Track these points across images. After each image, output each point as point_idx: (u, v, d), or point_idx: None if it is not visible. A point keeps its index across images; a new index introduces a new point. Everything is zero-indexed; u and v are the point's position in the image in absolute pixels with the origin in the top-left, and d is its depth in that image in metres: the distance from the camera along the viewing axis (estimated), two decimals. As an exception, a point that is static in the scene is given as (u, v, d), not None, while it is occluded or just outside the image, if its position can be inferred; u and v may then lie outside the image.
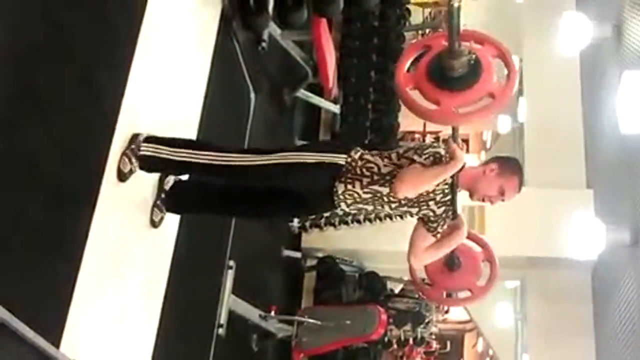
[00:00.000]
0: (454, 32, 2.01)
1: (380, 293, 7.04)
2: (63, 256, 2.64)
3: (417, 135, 12.43)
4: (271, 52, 5.37)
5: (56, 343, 2.53)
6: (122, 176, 2.98)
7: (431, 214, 2.99)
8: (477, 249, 3.60)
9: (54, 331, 2.54)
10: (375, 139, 7.13)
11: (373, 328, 5.63)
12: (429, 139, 11.63)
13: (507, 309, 8.76)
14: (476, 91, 2.19)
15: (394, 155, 2.93)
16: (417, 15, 11.03)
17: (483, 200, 2.99)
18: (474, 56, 2.19)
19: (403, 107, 8.02)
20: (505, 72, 2.28)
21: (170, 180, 3.37)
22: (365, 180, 2.91)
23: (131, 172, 3.02)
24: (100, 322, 2.92)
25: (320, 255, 6.85)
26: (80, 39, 2.71)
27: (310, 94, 6.46)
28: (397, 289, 8.00)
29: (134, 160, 3.00)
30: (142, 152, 3.00)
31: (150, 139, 3.06)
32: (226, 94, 4.52)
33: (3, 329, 2.15)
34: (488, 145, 14.72)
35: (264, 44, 5.05)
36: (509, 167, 3.00)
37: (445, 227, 3.05)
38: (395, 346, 7.49)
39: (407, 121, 8.61)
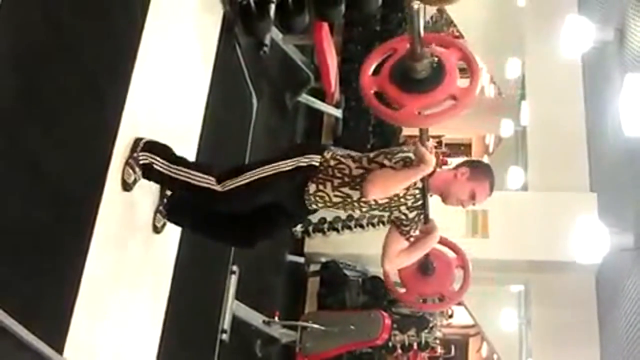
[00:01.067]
0: (416, 35, 2.02)
1: (384, 298, 7.01)
2: (66, 262, 2.64)
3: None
4: (273, 57, 5.37)
5: (59, 349, 2.52)
6: (126, 186, 2.99)
7: (403, 217, 3.00)
8: (452, 254, 3.60)
9: (57, 337, 2.54)
10: (377, 143, 7.12)
11: (377, 333, 5.61)
12: (430, 143, 11.61)
13: (511, 314, 8.74)
14: (439, 93, 2.20)
15: (364, 160, 2.93)
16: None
17: (456, 204, 3.00)
18: (436, 59, 2.20)
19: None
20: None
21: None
22: (336, 182, 2.91)
23: (135, 181, 3.03)
24: (103, 328, 2.92)
25: (323, 260, 6.83)
26: (82, 43, 2.71)
27: (312, 99, 6.46)
28: (401, 293, 7.99)
29: (137, 169, 3.01)
30: (141, 161, 3.02)
31: (147, 146, 3.06)
32: (228, 98, 4.52)
33: (6, 335, 2.14)
34: (491, 150, 14.73)
35: (265, 49, 5.05)
36: (480, 171, 3.02)
37: (417, 231, 3.06)
38: (399, 351, 7.47)
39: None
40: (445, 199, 3.00)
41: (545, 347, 7.19)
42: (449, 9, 9.19)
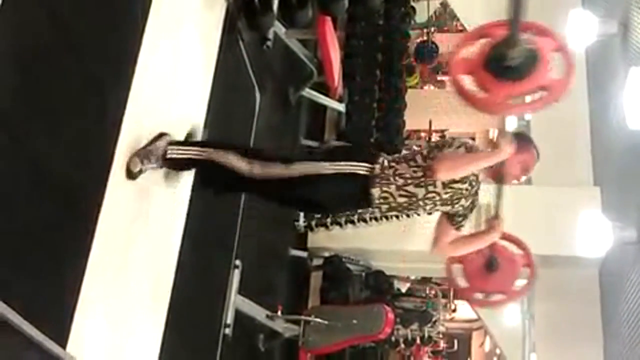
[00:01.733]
0: (515, 20, 1.97)
1: (387, 292, 7.03)
2: (69, 256, 2.64)
3: (422, 134, 12.42)
4: (276, 51, 5.36)
5: (62, 343, 2.52)
6: (131, 175, 2.99)
7: (461, 209, 3.03)
8: (518, 252, 3.58)
9: (60, 331, 2.54)
10: (381, 137, 7.12)
11: (380, 327, 5.61)
12: (434, 137, 11.62)
13: (515, 308, 8.73)
14: (529, 83, 2.16)
15: (418, 158, 2.95)
16: (422, 14, 11.03)
17: (510, 181, 3.04)
18: (531, 48, 2.16)
19: (409, 106, 8.02)
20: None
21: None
22: (400, 182, 2.92)
23: (140, 172, 3.03)
24: (106, 322, 2.92)
25: (326, 254, 6.84)
26: (84, 38, 2.71)
27: (315, 93, 6.45)
28: (404, 288, 8.00)
29: (145, 161, 3.01)
30: (169, 155, 3.05)
31: (174, 143, 3.11)
32: (231, 93, 4.52)
33: (9, 329, 2.15)
34: (494, 144, 14.69)
35: (268, 43, 5.04)
36: (521, 141, 3.00)
37: (468, 219, 3.07)
38: (402, 345, 7.49)
39: (413, 120, 8.60)
40: (495, 177, 3.02)
41: (548, 341, 7.20)
42: (452, 2, 9.17)
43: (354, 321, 5.67)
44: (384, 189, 2.92)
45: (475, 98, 2.21)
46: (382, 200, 2.95)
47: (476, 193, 3.02)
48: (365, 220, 6.71)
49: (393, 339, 7.06)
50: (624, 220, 5.44)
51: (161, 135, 3.13)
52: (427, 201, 2.94)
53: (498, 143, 2.78)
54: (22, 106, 2.33)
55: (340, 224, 6.72)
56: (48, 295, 2.50)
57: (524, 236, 6.19)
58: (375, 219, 6.69)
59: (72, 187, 2.64)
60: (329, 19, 5.43)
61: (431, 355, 14.87)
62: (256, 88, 4.99)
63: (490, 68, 2.18)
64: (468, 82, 2.27)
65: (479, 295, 3.74)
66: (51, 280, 2.52)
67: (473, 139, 17.14)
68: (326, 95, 6.57)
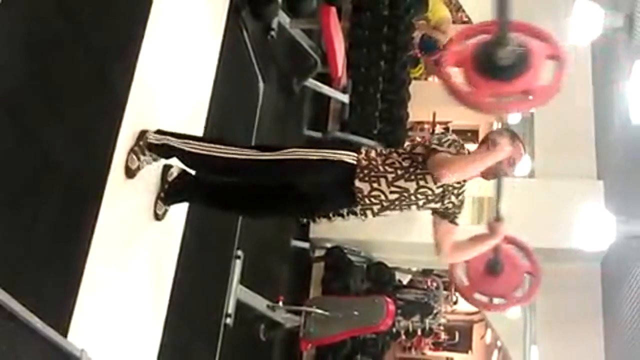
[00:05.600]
0: (503, 19, 1.95)
1: (388, 284, 7.02)
2: (70, 246, 2.64)
3: (426, 126, 12.39)
4: (280, 41, 5.34)
5: (64, 332, 2.53)
6: (130, 173, 2.98)
7: (450, 205, 3.02)
8: (523, 258, 3.56)
9: (61, 320, 2.54)
10: (385, 128, 7.10)
11: (381, 319, 5.61)
12: (438, 129, 11.60)
13: (516, 300, 8.72)
14: (515, 85, 2.15)
15: (407, 148, 2.95)
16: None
17: (498, 176, 3.04)
18: (521, 50, 2.15)
19: (413, 97, 8.00)
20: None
21: (174, 172, 3.34)
22: (390, 176, 2.89)
23: (139, 168, 3.02)
24: (108, 312, 2.92)
25: (328, 245, 6.83)
26: (88, 29, 2.70)
27: (319, 83, 6.43)
28: (406, 279, 8.00)
29: (141, 156, 3.00)
30: (152, 142, 3.01)
31: (160, 132, 3.06)
32: (235, 83, 4.51)
33: (11, 319, 2.15)
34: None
35: (272, 33, 5.03)
36: (508, 136, 3.00)
37: (460, 215, 3.06)
38: (403, 337, 7.50)
39: (417, 111, 8.57)
40: (486, 175, 2.99)
41: (549, 334, 7.19)
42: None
43: (355, 312, 5.66)
44: (374, 185, 2.89)
45: (459, 91, 2.20)
46: (372, 200, 2.93)
47: (463, 190, 3.02)
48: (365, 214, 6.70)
49: (394, 330, 7.05)
50: (627, 214, 5.43)
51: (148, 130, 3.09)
52: (419, 195, 2.92)
53: (495, 141, 2.77)
54: (25, 94, 2.32)
55: (342, 215, 6.70)
56: (49, 284, 2.50)
57: (527, 229, 6.21)
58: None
59: (73, 178, 2.64)
60: (333, 9, 5.41)
61: (432, 346, 14.89)
62: (260, 78, 4.98)
63: (479, 65, 2.17)
64: (455, 74, 2.26)
65: (479, 296, 3.73)
66: (52, 270, 2.52)
67: (476, 131, 17.13)
68: (330, 85, 6.56)
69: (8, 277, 2.18)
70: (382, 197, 2.91)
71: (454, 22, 12.04)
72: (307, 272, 7.00)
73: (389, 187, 2.89)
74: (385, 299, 5.66)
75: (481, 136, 16.94)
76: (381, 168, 2.89)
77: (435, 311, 7.36)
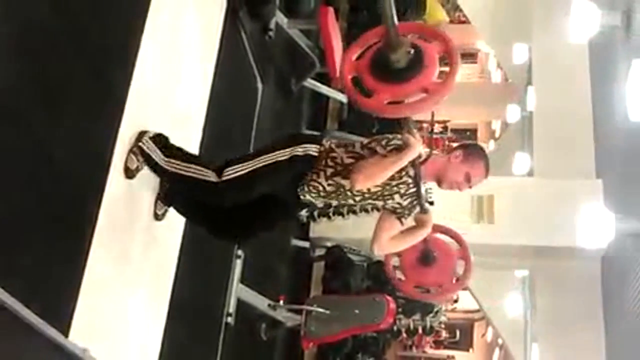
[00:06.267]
0: (389, 23, 2.00)
1: (388, 282, 7.03)
2: (71, 247, 2.65)
3: (425, 125, 12.41)
4: (278, 41, 5.36)
5: (65, 332, 2.54)
6: (129, 173, 2.99)
7: (397, 205, 3.00)
8: (455, 245, 3.60)
9: (63, 320, 2.55)
10: (382, 128, 7.11)
11: (382, 317, 5.62)
12: (437, 128, 11.61)
13: (517, 299, 8.75)
14: (410, 86, 2.19)
15: (357, 145, 2.93)
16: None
17: (452, 187, 2.99)
18: (413, 50, 2.18)
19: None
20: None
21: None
22: (329, 171, 2.90)
23: (138, 169, 3.03)
24: (109, 311, 2.94)
25: (328, 244, 6.85)
26: (87, 31, 2.71)
27: (317, 83, 6.45)
28: (406, 278, 8.00)
29: (140, 157, 3.01)
30: (143, 148, 3.02)
31: (154, 139, 3.07)
32: (233, 83, 4.52)
33: (12, 318, 2.16)
34: (497, 135, 14.69)
35: (270, 33, 5.04)
36: (474, 153, 3.00)
37: (411, 217, 3.05)
38: (404, 335, 7.51)
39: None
40: (440, 183, 2.99)
41: (550, 332, 7.22)
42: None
43: (356, 311, 5.68)
44: (314, 177, 2.90)
45: (363, 99, 2.24)
46: (311, 188, 2.93)
47: (416, 195, 2.97)
48: (367, 211, 6.72)
49: (395, 328, 7.08)
50: (626, 212, 5.44)
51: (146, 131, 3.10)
52: (355, 192, 2.91)
53: (406, 141, 2.77)
54: (24, 93, 2.33)
55: (342, 214, 6.73)
56: (50, 284, 2.51)
57: (526, 227, 6.25)
58: (377, 209, 6.68)
59: (73, 174, 2.65)
60: (330, 9, 5.42)
61: (433, 345, 14.92)
62: (258, 78, 4.99)
63: (377, 71, 2.21)
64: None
65: (417, 289, 3.78)
66: (53, 269, 2.53)
67: (475, 130, 17.14)
68: (328, 85, 6.57)
69: (9, 278, 2.19)
70: (320, 187, 2.94)
71: (451, 22, 12.07)
72: (307, 271, 7.02)
73: (326, 181, 2.92)
74: (385, 298, 5.67)
75: (480, 135, 16.97)
76: (324, 162, 2.90)
77: (436, 309, 7.37)
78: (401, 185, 2.92)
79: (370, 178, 2.80)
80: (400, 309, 6.82)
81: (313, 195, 2.97)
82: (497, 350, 14.50)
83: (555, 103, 7.49)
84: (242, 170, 2.91)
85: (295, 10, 5.19)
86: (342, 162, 2.90)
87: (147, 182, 3.21)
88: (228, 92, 4.32)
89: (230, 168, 2.92)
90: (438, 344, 15.01)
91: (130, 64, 3.02)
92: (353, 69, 2.31)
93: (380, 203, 3.01)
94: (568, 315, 6.87)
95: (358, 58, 2.34)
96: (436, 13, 8.77)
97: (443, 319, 7.96)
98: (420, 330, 7.40)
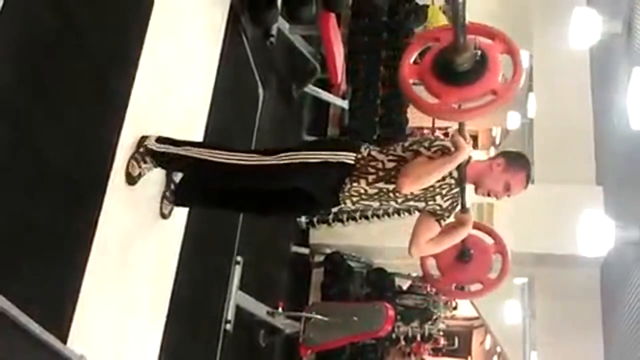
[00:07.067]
0: (459, 26, 1.96)
1: (388, 289, 7.02)
2: (70, 251, 2.64)
3: (426, 131, 12.41)
4: (279, 47, 5.35)
5: (63, 338, 2.53)
6: (131, 180, 2.98)
7: (438, 208, 2.97)
8: (489, 241, 3.58)
9: (61, 326, 2.54)
10: (384, 134, 7.11)
11: (380, 324, 5.61)
12: (438, 134, 11.61)
13: (515, 306, 8.74)
14: (478, 88, 2.16)
15: (399, 149, 2.90)
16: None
17: (488, 194, 2.95)
18: (479, 52, 2.16)
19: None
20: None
21: (179, 173, 3.35)
22: (370, 178, 2.88)
23: (140, 175, 3.02)
24: (107, 318, 2.92)
25: (328, 251, 6.84)
26: (88, 35, 2.70)
27: (318, 89, 6.44)
28: (405, 285, 7.99)
29: (142, 163, 3.00)
30: (153, 148, 3.01)
31: (160, 139, 3.06)
32: (234, 89, 4.51)
33: (10, 324, 2.15)
34: (497, 141, 14.69)
35: (272, 39, 5.04)
36: (516, 162, 2.95)
37: (451, 219, 3.03)
38: (402, 342, 7.49)
39: (416, 117, 8.58)
40: (477, 188, 2.94)
41: (549, 340, 7.20)
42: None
43: (355, 318, 5.67)
44: (354, 184, 2.88)
45: (426, 104, 2.21)
46: (352, 192, 2.90)
47: (457, 195, 2.95)
48: (367, 218, 6.72)
49: (394, 336, 7.06)
50: (626, 220, 5.44)
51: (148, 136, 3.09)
52: (397, 194, 2.88)
53: (456, 144, 2.74)
54: (25, 98, 2.33)
55: (342, 221, 6.72)
56: (48, 290, 2.50)
57: (526, 234, 6.24)
58: (377, 216, 6.68)
59: (74, 180, 2.64)
60: (332, 15, 5.42)
61: (432, 352, 14.87)
62: (259, 84, 4.99)
63: (439, 73, 2.18)
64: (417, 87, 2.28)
65: (455, 287, 3.76)
66: (51, 275, 2.52)
67: (476, 136, 17.14)
68: (329, 91, 6.57)
69: (7, 283, 2.18)
70: (362, 191, 2.91)
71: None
72: (306, 278, 7.00)
73: (368, 186, 2.90)
74: (384, 305, 5.67)
75: (480, 142, 16.97)
76: (364, 169, 2.88)
77: (434, 316, 7.36)
78: (444, 187, 2.90)
79: (418, 180, 2.76)
80: (399, 316, 6.80)
81: (354, 199, 2.94)
82: (495, 358, 14.47)
83: (556, 110, 7.49)
84: (284, 160, 2.89)
85: (297, 16, 5.18)
86: (383, 167, 2.87)
87: (148, 188, 3.20)
88: (229, 97, 4.31)
89: (270, 157, 2.91)
90: (436, 352, 14.95)
91: (132, 69, 3.01)
92: (413, 73, 2.26)
93: (421, 205, 2.96)
94: (567, 323, 6.85)
95: (414, 62, 2.29)
96: (438, 21, 8.78)
97: (441, 326, 7.95)
98: (418, 338, 7.38)
